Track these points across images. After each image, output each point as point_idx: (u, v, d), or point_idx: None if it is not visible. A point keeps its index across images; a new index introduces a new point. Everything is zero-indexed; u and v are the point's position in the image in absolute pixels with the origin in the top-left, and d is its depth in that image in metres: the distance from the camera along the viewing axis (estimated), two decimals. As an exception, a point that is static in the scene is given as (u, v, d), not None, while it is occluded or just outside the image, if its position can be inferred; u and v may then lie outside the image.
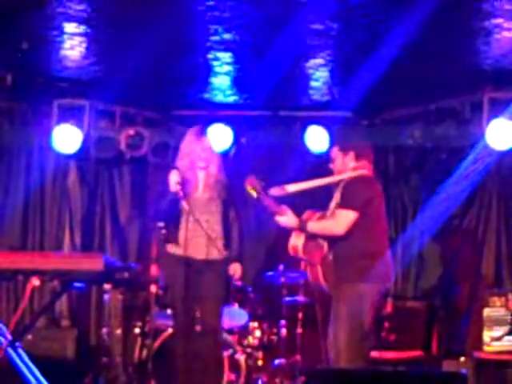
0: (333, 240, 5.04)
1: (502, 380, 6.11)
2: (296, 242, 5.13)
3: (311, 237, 5.12)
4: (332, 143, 5.27)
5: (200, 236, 5.51)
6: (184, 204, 5.46)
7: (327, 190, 5.38)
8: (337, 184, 5.18)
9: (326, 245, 5.08)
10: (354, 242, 4.99)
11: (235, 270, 5.68)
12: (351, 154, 5.21)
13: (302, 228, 5.07)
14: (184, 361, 5.48)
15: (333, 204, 5.11)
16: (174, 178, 5.44)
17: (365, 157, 5.24)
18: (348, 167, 5.20)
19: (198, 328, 5.74)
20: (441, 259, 7.51)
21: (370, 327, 5.00)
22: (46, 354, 6.55)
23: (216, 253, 5.56)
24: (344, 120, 7.60)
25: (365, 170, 5.21)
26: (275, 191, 5.13)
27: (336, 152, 5.28)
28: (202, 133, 5.85)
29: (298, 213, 5.31)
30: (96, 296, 7.54)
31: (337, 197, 5.11)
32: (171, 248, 5.57)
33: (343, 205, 5.01)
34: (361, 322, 4.93)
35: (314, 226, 5.08)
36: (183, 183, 5.46)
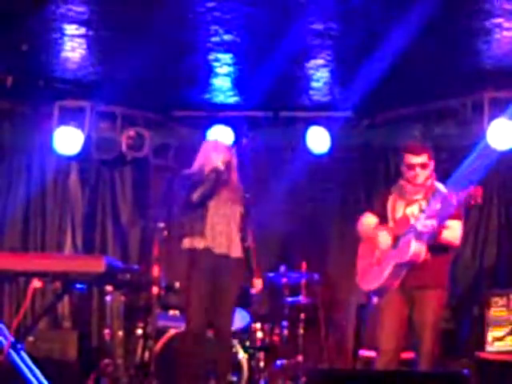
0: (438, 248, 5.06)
1: (504, 380, 6.11)
2: (421, 248, 4.97)
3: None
4: (420, 148, 5.17)
5: (224, 232, 5.57)
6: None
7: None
8: (418, 189, 5.13)
9: (428, 252, 5.05)
10: (453, 251, 5.25)
11: (257, 285, 5.76)
12: (432, 164, 5.21)
13: (437, 234, 4.98)
14: (191, 362, 5.46)
15: (424, 210, 5.02)
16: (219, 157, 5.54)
17: None
18: (432, 175, 5.20)
19: (210, 332, 5.72)
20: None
21: None
22: (48, 356, 6.54)
23: (235, 251, 5.59)
24: (345, 120, 7.61)
25: None
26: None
27: (427, 160, 5.17)
28: (216, 137, 5.92)
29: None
30: (98, 297, 7.53)
31: (427, 204, 5.04)
32: (193, 242, 5.56)
33: (456, 216, 5.00)
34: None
35: (447, 235, 5.01)
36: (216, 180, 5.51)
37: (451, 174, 7.09)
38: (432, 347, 5.02)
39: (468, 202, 4.79)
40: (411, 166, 5.12)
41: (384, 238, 5.09)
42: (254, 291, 5.82)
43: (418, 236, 4.95)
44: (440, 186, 5.10)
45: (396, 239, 5.07)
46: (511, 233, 7.22)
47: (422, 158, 5.12)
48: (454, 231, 5.04)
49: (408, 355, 6.70)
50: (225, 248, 5.56)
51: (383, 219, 5.17)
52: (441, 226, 4.95)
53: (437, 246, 5.01)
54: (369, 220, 5.26)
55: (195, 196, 5.50)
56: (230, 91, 7.28)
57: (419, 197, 5.07)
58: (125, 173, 7.99)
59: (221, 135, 6.01)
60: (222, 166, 5.54)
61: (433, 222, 4.91)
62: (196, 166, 5.73)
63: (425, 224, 4.92)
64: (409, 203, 5.10)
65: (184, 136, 7.75)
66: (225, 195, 5.65)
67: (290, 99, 7.52)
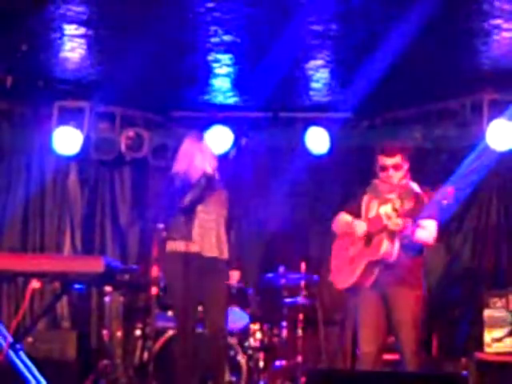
0: (411, 247, 5.07)
1: (502, 381, 6.10)
2: (393, 247, 5.00)
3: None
4: (393, 150, 5.19)
5: (211, 235, 5.59)
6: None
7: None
8: (392, 188, 5.14)
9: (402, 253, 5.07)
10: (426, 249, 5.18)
11: (233, 276, 5.82)
12: (408, 164, 5.21)
13: (411, 234, 4.99)
14: (186, 362, 5.47)
15: (406, 209, 5.03)
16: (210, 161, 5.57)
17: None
18: (407, 175, 5.20)
19: (200, 330, 5.74)
20: (441, 260, 7.50)
21: None
22: (47, 356, 6.53)
23: (225, 252, 5.63)
24: (344, 121, 7.61)
25: None
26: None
27: (400, 161, 5.16)
28: (200, 137, 5.89)
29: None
30: (96, 298, 7.53)
31: (403, 203, 5.02)
32: (179, 245, 5.58)
33: (430, 215, 5.01)
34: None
35: (420, 234, 5.02)
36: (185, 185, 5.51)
37: (451, 174, 7.10)
38: (415, 347, 5.00)
39: (440, 202, 4.82)
40: (384, 168, 5.14)
41: (360, 226, 5.11)
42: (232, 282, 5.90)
43: (390, 235, 4.98)
44: (414, 186, 5.10)
45: (369, 237, 5.09)
46: (510, 233, 7.22)
47: (395, 160, 5.12)
48: (428, 231, 5.05)
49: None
50: (214, 251, 5.59)
51: (358, 218, 5.19)
52: (414, 226, 4.96)
53: (410, 246, 5.02)
54: (344, 217, 5.29)
55: (186, 201, 5.51)
56: (229, 92, 7.27)
57: (393, 196, 5.07)
58: (124, 173, 7.99)
59: (206, 137, 6.00)
60: (211, 171, 5.55)
61: (405, 222, 4.94)
62: (180, 167, 5.71)
63: (396, 223, 4.95)
64: (382, 202, 5.10)
65: (183, 136, 7.72)
66: (212, 199, 5.67)
67: (290, 100, 7.52)
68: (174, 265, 5.51)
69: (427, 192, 4.99)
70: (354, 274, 5.08)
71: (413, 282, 5.05)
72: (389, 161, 5.11)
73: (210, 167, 5.58)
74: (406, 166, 5.17)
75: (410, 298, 5.01)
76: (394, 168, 5.11)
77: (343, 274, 5.17)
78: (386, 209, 5.02)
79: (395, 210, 4.95)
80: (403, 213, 4.94)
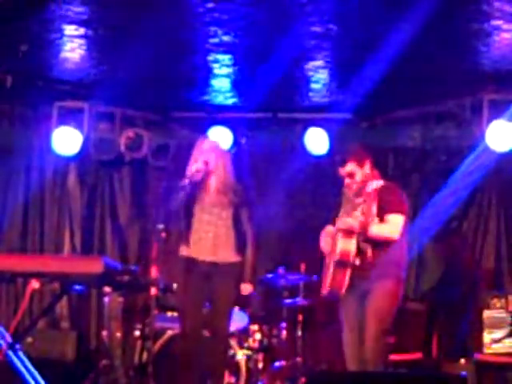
0: (377, 243, 5.11)
1: (502, 382, 6.11)
2: (348, 246, 5.06)
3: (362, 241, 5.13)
4: (343, 159, 5.30)
5: (209, 238, 5.55)
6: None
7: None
8: (359, 193, 5.19)
9: (370, 248, 5.12)
10: (396, 244, 5.15)
11: (245, 289, 5.71)
12: (367, 163, 5.30)
13: (363, 231, 5.06)
14: (188, 364, 5.47)
15: (372, 211, 5.07)
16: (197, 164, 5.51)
17: (376, 163, 5.38)
18: (370, 176, 5.26)
19: (206, 333, 5.73)
20: (441, 260, 7.50)
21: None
22: (46, 357, 6.54)
23: (226, 256, 5.58)
24: (344, 122, 7.60)
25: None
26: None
27: (352, 166, 5.28)
28: (206, 137, 5.90)
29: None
30: (96, 298, 7.53)
31: (370, 205, 5.08)
32: (182, 249, 5.59)
33: (393, 210, 5.11)
34: (391, 319, 5.11)
35: (376, 229, 5.07)
36: (193, 187, 5.48)
37: (450, 175, 7.11)
38: (375, 334, 5.04)
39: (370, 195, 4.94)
40: (342, 177, 5.30)
41: (329, 230, 5.33)
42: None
43: (346, 234, 5.06)
44: (379, 183, 5.13)
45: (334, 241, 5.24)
46: (510, 234, 7.22)
47: (347, 168, 5.26)
48: (390, 226, 5.09)
49: (408, 357, 6.72)
50: (211, 256, 5.55)
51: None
52: (367, 222, 5.01)
53: (375, 241, 5.08)
54: (328, 228, 5.42)
55: (173, 205, 5.50)
56: (228, 92, 7.27)
57: (360, 200, 5.12)
58: (123, 173, 7.98)
59: (211, 134, 5.97)
60: (196, 170, 5.48)
61: (353, 220, 5.02)
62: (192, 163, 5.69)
63: (343, 222, 5.08)
64: (353, 208, 5.16)
65: (183, 137, 7.74)
66: (210, 200, 5.62)
67: (289, 100, 7.52)
68: (177, 268, 5.53)
69: (392, 188, 5.17)
70: (327, 279, 5.19)
71: (382, 275, 5.09)
72: (342, 171, 5.29)
73: (200, 164, 5.51)
74: (363, 169, 5.27)
75: (380, 289, 5.08)
76: (348, 176, 5.26)
77: (323, 280, 5.30)
78: (355, 214, 5.09)
79: (363, 213, 5.02)
80: (369, 214, 5.01)
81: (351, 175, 5.26)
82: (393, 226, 5.11)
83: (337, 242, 5.11)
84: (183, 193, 5.45)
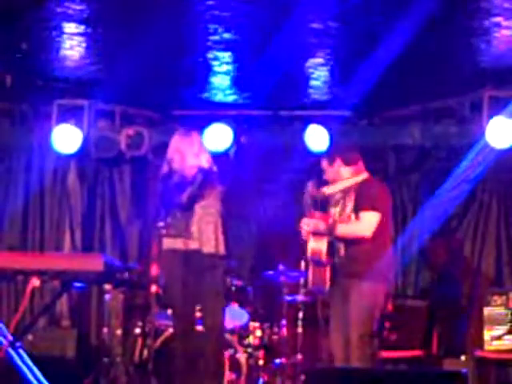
0: (350, 241, 5.13)
1: (502, 379, 6.11)
2: (319, 245, 5.15)
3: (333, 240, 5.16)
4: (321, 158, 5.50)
5: (210, 230, 5.59)
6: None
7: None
8: (342, 191, 5.25)
9: (342, 247, 5.13)
10: (371, 242, 5.13)
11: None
12: (338, 161, 5.36)
13: (330, 231, 5.08)
14: (185, 360, 5.48)
15: (348, 208, 5.14)
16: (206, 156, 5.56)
17: (353, 160, 5.38)
18: (340, 174, 5.34)
19: (200, 327, 5.74)
20: (441, 258, 7.51)
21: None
22: (47, 355, 6.54)
23: (221, 248, 5.63)
24: (344, 119, 7.60)
25: (364, 172, 5.34)
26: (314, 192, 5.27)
27: (324, 163, 5.44)
28: (189, 133, 5.88)
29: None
30: (96, 296, 7.54)
31: (346, 202, 5.18)
32: (178, 243, 5.57)
33: (365, 207, 5.12)
34: (372, 321, 5.10)
35: (343, 229, 5.12)
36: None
37: (450, 172, 7.10)
38: (358, 338, 5.05)
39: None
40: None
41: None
42: None
43: (315, 234, 5.15)
44: (354, 180, 5.24)
45: None
46: (510, 232, 7.23)
47: (322, 166, 5.44)
48: (358, 223, 5.13)
49: (408, 354, 6.72)
50: (213, 247, 5.59)
51: None
52: (334, 222, 5.12)
53: (347, 239, 5.13)
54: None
55: (183, 198, 5.50)
56: (229, 90, 7.27)
57: (339, 196, 5.25)
58: (124, 171, 7.99)
59: (197, 133, 5.98)
60: (206, 166, 5.54)
61: (317, 221, 5.15)
62: (174, 165, 5.69)
63: (306, 223, 5.20)
64: (335, 204, 5.28)
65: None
66: (210, 194, 5.67)
67: (289, 98, 7.52)
68: (172, 263, 5.50)
69: (370, 183, 5.22)
70: (309, 276, 5.26)
71: (357, 273, 5.10)
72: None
73: (205, 161, 5.56)
74: (333, 167, 5.36)
75: (356, 289, 5.09)
76: (323, 174, 5.41)
77: (308, 276, 5.37)
78: (336, 210, 5.21)
79: (342, 210, 5.15)
80: (344, 211, 5.14)
81: (325, 173, 5.41)
82: (364, 223, 5.13)
83: (308, 242, 5.18)
84: (197, 185, 5.49)
